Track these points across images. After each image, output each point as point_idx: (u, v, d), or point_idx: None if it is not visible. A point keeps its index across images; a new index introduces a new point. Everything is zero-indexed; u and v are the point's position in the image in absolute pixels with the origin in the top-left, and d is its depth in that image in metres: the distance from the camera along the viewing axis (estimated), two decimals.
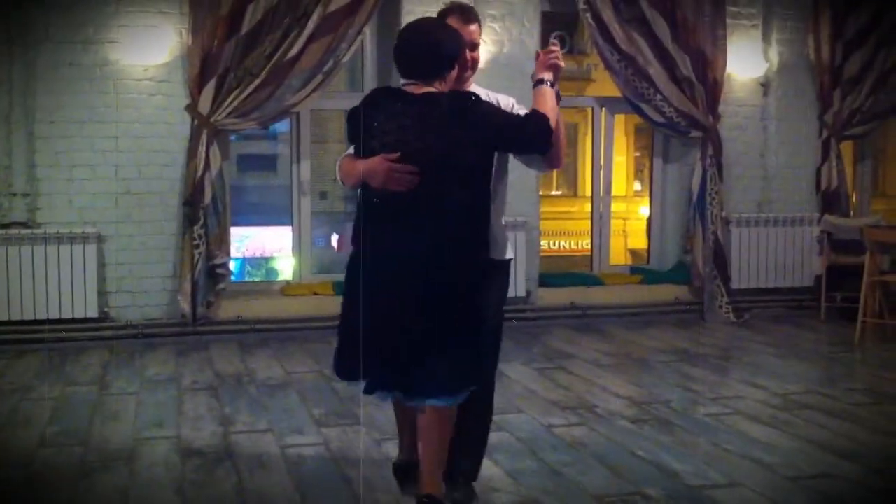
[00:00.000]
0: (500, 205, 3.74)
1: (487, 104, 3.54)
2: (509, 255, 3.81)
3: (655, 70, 8.06)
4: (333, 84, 7.73)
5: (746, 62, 8.52)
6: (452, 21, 3.66)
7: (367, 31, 7.72)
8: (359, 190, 3.67)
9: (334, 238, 17.47)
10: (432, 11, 7.46)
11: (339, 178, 3.77)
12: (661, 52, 8.06)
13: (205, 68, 7.00)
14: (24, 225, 6.90)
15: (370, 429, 4.87)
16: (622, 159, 19.12)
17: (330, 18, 7.23)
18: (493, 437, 4.69)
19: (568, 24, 13.13)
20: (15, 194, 6.91)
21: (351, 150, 3.70)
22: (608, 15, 7.91)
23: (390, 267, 3.47)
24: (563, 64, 3.62)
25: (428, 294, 3.43)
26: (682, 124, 8.21)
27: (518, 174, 7.69)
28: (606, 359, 6.70)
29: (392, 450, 4.47)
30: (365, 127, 3.56)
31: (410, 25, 3.69)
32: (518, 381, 5.99)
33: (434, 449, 3.56)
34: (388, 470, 4.18)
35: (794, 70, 8.68)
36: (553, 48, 3.63)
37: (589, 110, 9.39)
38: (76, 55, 7.00)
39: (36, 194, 6.97)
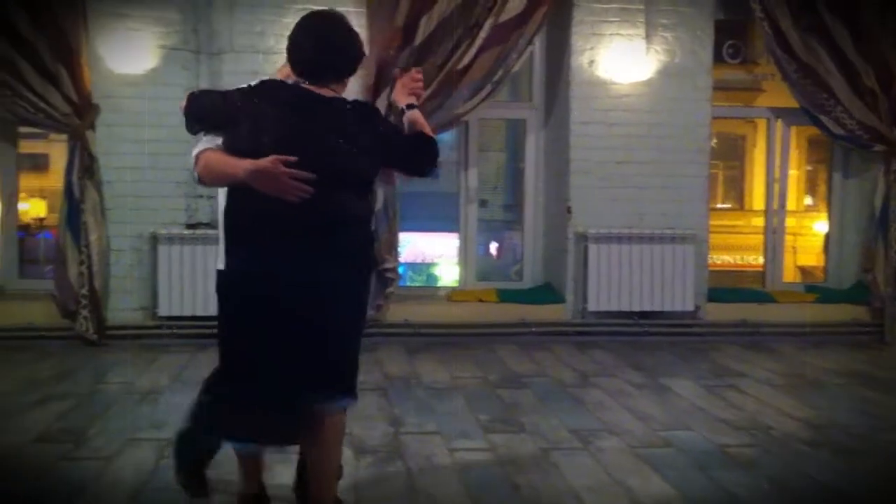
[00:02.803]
0: None
1: (384, 116, 3.40)
2: None
3: (836, 81, 7.74)
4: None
5: None
6: None
7: (537, 41, 7.75)
8: (224, 194, 3.24)
9: (493, 246, 17.64)
10: (602, 22, 7.61)
11: (196, 172, 3.21)
12: (842, 61, 7.74)
13: (380, 77, 7.16)
14: (208, 225, 7.26)
15: (535, 437, 4.88)
16: (794, 172, 18.40)
17: (501, 28, 7.30)
18: (660, 452, 4.65)
19: (740, 31, 12.77)
20: (200, 196, 7.29)
21: (209, 141, 3.20)
22: (786, 24, 7.65)
23: (282, 288, 3.10)
24: (423, 93, 3.73)
25: (332, 319, 3.16)
26: (864, 137, 7.85)
27: (686, 184, 7.70)
28: (779, 379, 6.46)
29: (560, 458, 4.49)
30: (250, 119, 3.11)
31: (315, 21, 3.28)
32: (685, 397, 5.86)
33: (337, 457, 3.46)
34: (556, 479, 4.21)
35: None
36: (417, 75, 3.57)
37: (759, 122, 9.11)
38: (258, 64, 7.31)
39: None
